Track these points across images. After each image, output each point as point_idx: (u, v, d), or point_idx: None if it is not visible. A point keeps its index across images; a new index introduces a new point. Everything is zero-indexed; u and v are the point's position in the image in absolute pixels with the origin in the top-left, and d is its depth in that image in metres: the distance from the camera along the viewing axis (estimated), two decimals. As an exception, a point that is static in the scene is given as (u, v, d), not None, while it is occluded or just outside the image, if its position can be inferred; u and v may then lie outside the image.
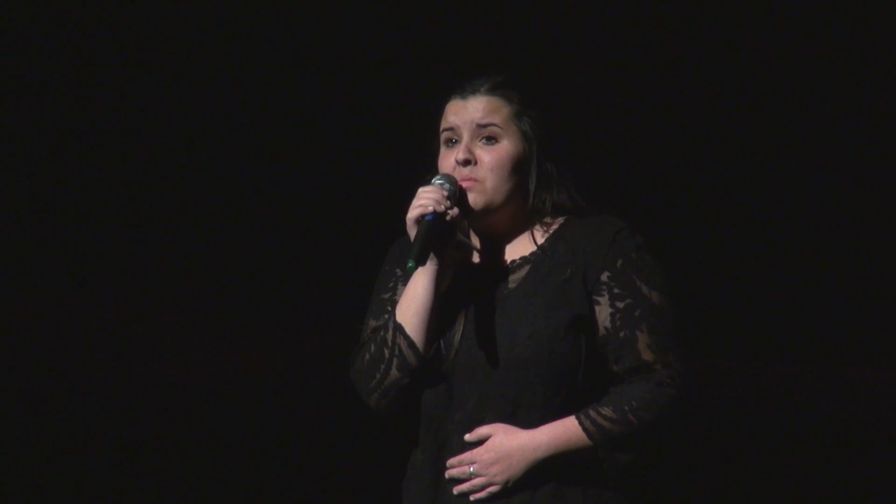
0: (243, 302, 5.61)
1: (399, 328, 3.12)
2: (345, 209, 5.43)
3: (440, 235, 3.09)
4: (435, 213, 3.08)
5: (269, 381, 5.63)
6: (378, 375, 3.15)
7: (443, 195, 3.10)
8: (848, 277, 5.13)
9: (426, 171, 3.23)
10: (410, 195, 3.14)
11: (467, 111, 3.17)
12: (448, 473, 3.13)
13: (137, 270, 5.62)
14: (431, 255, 3.10)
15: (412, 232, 3.10)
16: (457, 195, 3.13)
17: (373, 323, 3.23)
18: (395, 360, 3.13)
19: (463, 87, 3.20)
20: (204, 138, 5.52)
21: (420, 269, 3.10)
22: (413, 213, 3.10)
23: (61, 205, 5.59)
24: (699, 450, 4.86)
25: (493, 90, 3.18)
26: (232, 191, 5.54)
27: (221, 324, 5.66)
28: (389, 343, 3.13)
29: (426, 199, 3.09)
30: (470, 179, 3.15)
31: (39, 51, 5.51)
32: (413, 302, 3.12)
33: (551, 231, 3.19)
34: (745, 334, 5.18)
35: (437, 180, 3.15)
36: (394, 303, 3.19)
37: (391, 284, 3.26)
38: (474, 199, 3.15)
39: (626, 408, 3.05)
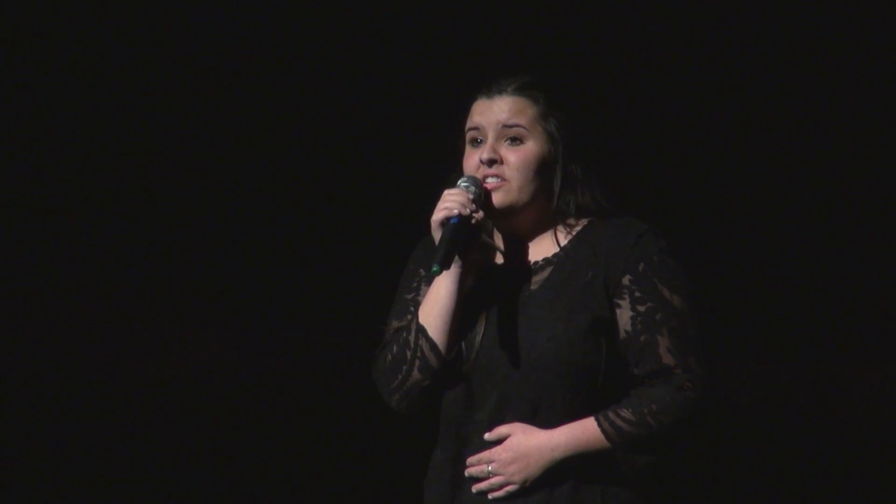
0: (243, 303, 5.60)
1: (421, 330, 3.12)
2: (346, 209, 5.42)
3: (464, 238, 3.09)
4: (460, 216, 3.07)
5: (270, 381, 5.62)
6: (400, 377, 3.15)
7: (468, 198, 3.09)
8: (847, 278, 5.14)
9: (441, 171, 3.23)
10: (419, 196, 3.14)
11: (493, 111, 3.16)
12: (467, 472, 3.13)
13: (137, 271, 5.60)
14: (455, 257, 3.09)
15: (436, 234, 3.09)
16: (482, 198, 3.12)
17: (395, 323, 3.23)
18: (416, 362, 3.13)
19: (489, 87, 3.19)
20: (204, 137, 5.50)
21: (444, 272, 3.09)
22: (438, 215, 3.09)
23: (61, 205, 5.57)
24: (700, 450, 4.85)
25: (519, 91, 3.17)
26: (232, 191, 5.52)
27: (221, 324, 5.64)
28: (412, 345, 3.13)
29: (451, 202, 3.08)
30: (495, 177, 3.14)
31: (39, 50, 5.49)
32: (436, 304, 3.12)
33: (574, 233, 3.18)
34: (745, 334, 5.19)
35: (462, 182, 3.14)
36: (417, 303, 3.19)
37: (415, 285, 3.25)
38: (499, 197, 3.14)
39: (646, 410, 3.05)
